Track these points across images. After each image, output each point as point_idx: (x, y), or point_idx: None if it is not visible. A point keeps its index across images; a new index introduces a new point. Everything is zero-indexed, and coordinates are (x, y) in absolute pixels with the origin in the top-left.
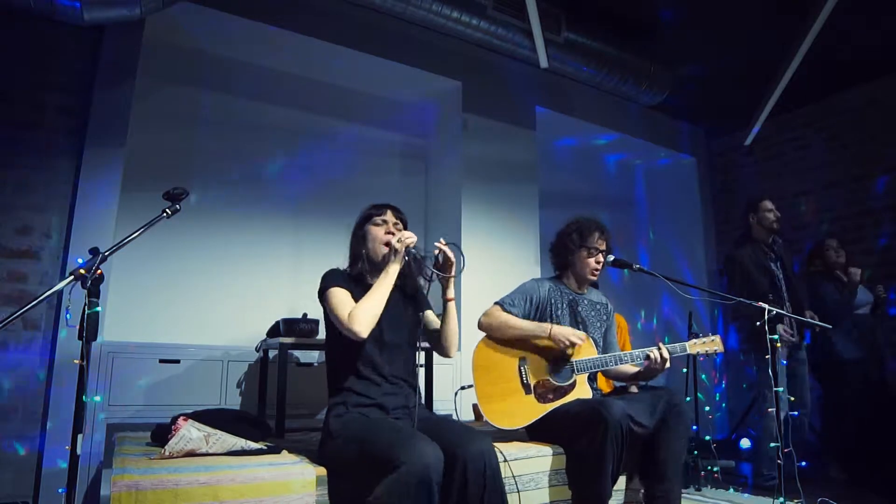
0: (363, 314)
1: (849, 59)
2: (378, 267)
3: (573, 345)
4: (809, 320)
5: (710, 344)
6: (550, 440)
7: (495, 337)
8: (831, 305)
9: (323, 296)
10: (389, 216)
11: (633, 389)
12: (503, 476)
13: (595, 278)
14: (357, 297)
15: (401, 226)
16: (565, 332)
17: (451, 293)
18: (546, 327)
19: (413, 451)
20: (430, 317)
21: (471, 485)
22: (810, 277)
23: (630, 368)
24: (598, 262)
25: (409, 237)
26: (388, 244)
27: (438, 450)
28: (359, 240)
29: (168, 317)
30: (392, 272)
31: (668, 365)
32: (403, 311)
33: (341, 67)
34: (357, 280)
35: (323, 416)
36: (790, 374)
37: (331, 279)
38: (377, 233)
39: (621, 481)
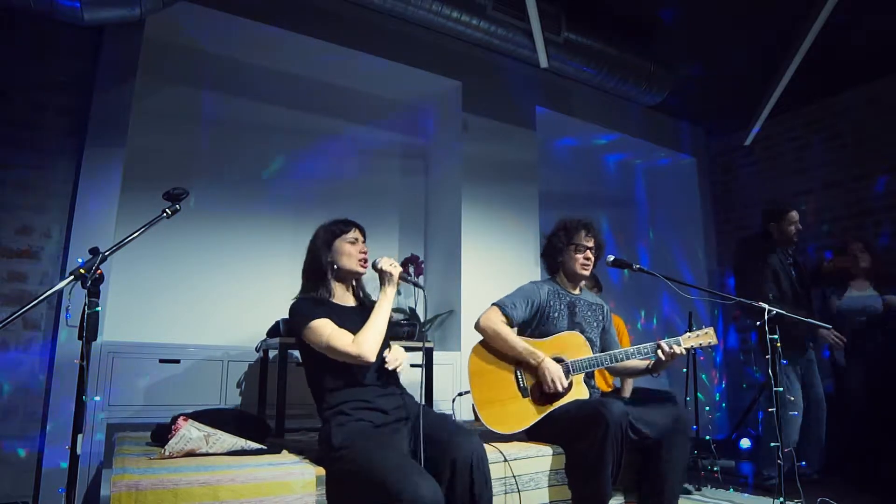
0: (370, 340)
1: (849, 59)
2: (346, 282)
3: (556, 388)
4: (810, 321)
5: (703, 337)
6: (550, 441)
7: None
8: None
9: (306, 330)
10: (358, 234)
11: (626, 394)
12: (504, 476)
13: (586, 273)
14: (334, 321)
15: (366, 242)
16: (554, 373)
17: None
18: (538, 357)
19: (412, 490)
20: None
21: (459, 479)
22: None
23: (639, 363)
24: (586, 259)
25: (397, 266)
26: (363, 262)
27: (436, 484)
28: (325, 255)
29: (168, 317)
30: (390, 295)
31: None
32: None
33: (341, 67)
34: (322, 303)
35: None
36: (804, 374)
37: (305, 311)
38: (351, 250)
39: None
